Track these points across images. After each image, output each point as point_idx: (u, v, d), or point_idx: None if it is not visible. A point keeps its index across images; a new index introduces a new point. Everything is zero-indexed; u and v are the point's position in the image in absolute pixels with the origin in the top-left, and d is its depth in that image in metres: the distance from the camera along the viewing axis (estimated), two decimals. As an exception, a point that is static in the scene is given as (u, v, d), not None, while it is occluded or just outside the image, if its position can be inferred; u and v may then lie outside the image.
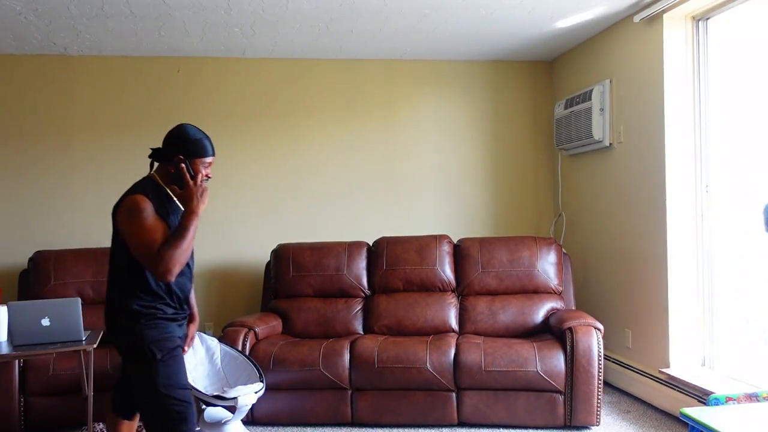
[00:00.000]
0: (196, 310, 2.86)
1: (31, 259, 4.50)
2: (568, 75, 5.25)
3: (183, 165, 2.45)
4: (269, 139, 5.19)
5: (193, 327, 2.83)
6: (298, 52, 5.00)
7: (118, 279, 2.52)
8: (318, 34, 4.54)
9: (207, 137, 2.58)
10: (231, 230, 5.13)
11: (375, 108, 5.27)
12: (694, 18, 3.98)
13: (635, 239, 4.35)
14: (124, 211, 2.43)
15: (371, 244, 4.75)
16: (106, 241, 4.83)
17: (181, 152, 2.50)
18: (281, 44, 4.77)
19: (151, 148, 2.58)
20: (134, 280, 2.48)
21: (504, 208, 5.45)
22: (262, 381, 3.72)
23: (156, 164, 2.62)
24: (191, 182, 2.46)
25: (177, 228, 2.40)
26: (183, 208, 2.45)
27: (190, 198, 2.44)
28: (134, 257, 2.41)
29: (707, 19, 3.94)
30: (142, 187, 2.51)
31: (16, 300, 4.50)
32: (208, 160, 2.56)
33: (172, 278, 2.36)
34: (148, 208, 2.41)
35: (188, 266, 2.63)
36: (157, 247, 2.33)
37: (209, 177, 2.58)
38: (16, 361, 3.83)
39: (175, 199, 2.57)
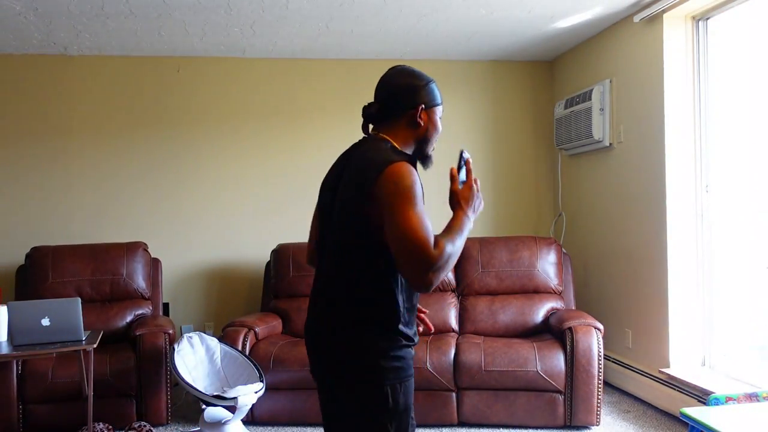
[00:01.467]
0: None
1: (28, 255, 4.49)
2: (568, 75, 5.25)
3: (462, 154, 1.86)
4: (269, 138, 5.19)
5: None
6: (298, 52, 5.00)
7: (358, 287, 1.74)
8: (318, 34, 4.54)
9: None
10: (231, 230, 5.12)
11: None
12: (694, 18, 3.98)
13: (635, 239, 4.35)
14: (390, 182, 1.65)
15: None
16: (104, 238, 4.88)
17: (422, 100, 1.90)
18: (281, 44, 4.77)
19: (369, 104, 1.96)
20: (388, 289, 1.73)
21: (504, 208, 5.45)
22: (262, 381, 3.72)
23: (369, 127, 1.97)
24: (472, 178, 1.83)
25: (455, 227, 1.71)
26: (453, 206, 1.80)
27: (471, 197, 1.79)
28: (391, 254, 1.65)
29: (707, 19, 3.94)
30: (397, 152, 1.81)
31: (13, 296, 4.50)
32: (442, 108, 2.00)
33: (432, 288, 1.61)
34: (419, 186, 1.69)
35: None
36: (433, 241, 1.59)
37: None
38: (15, 368, 3.81)
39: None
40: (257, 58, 5.13)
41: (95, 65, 4.94)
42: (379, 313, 1.74)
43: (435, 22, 4.33)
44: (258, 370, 3.82)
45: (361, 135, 2.04)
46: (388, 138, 1.87)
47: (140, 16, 4.07)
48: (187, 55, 5.02)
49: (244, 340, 4.05)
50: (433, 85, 1.98)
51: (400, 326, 1.75)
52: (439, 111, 1.98)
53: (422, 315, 2.01)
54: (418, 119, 1.90)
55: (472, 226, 1.77)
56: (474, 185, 1.82)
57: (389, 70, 1.97)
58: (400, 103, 1.90)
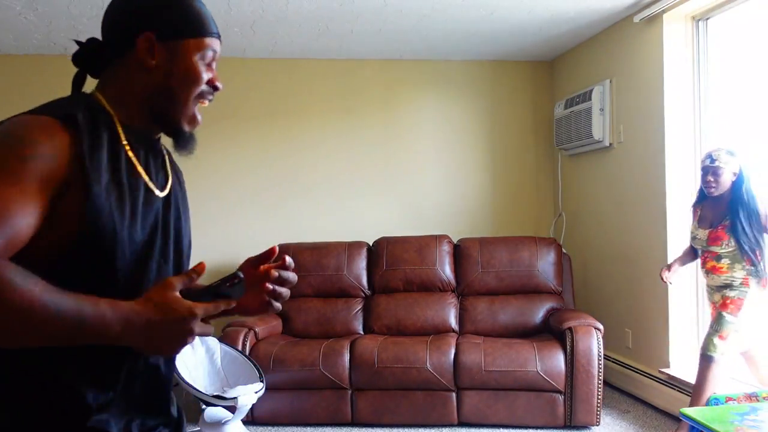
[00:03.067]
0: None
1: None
2: (568, 75, 5.25)
3: (239, 274, 1.15)
4: (269, 139, 5.19)
5: None
6: (298, 52, 5.00)
7: None
8: (318, 34, 4.54)
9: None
10: (230, 230, 5.12)
11: (375, 108, 5.27)
12: (693, 18, 3.98)
13: (635, 239, 4.35)
14: None
15: (371, 244, 4.75)
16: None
17: (155, 25, 1.17)
18: (281, 44, 4.77)
19: (81, 42, 1.25)
20: None
21: (504, 208, 5.46)
22: (262, 381, 3.72)
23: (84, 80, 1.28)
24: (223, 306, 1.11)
25: (94, 303, 0.98)
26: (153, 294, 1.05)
27: (181, 311, 1.03)
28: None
29: (707, 19, 3.93)
30: (67, 104, 1.17)
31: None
32: (210, 44, 1.22)
33: None
34: (42, 154, 1.02)
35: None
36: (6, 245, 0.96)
37: (217, 87, 1.25)
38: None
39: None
40: (257, 58, 5.13)
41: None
42: None
43: (435, 22, 4.33)
44: (258, 370, 3.82)
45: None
46: (99, 97, 1.19)
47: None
48: None
49: (244, 340, 4.05)
50: (189, 3, 1.19)
51: None
52: (200, 46, 1.19)
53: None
54: (147, 57, 1.15)
55: (121, 330, 0.99)
56: (210, 310, 1.08)
57: None
58: (119, 34, 1.17)
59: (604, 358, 4.51)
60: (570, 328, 3.85)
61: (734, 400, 2.64)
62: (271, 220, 5.17)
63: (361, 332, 4.44)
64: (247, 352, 4.02)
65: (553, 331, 4.11)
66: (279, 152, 5.20)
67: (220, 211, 5.09)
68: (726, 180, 3.31)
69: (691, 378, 3.76)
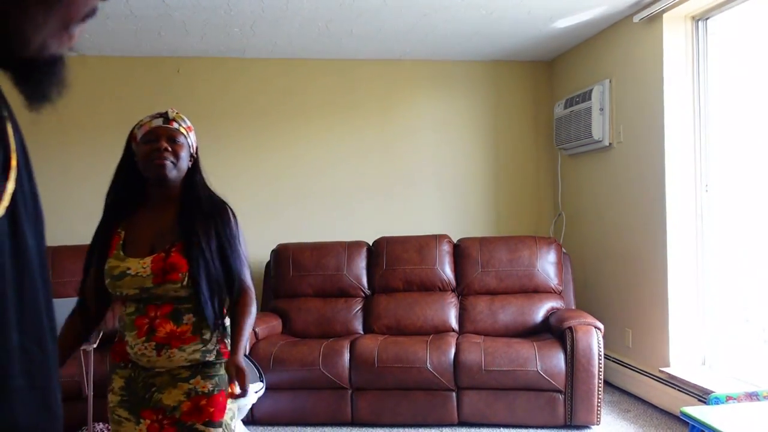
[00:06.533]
0: None
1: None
2: (567, 75, 5.25)
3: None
4: (269, 139, 5.19)
5: None
6: (298, 52, 5.00)
7: None
8: (318, 34, 4.54)
9: None
10: None
11: (375, 108, 5.27)
12: (693, 18, 3.98)
13: (635, 239, 4.35)
14: None
15: (371, 244, 4.75)
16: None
17: None
18: (281, 44, 4.78)
19: None
20: None
21: (504, 208, 5.46)
22: (262, 381, 3.72)
23: None
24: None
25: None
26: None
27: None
28: None
29: (707, 19, 3.93)
30: None
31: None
32: None
33: None
34: None
35: None
36: None
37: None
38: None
39: None
40: (257, 58, 5.13)
41: (95, 65, 4.93)
42: None
43: (434, 22, 4.34)
44: (258, 369, 3.82)
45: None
46: None
47: (140, 17, 4.07)
48: (186, 56, 5.02)
49: (244, 340, 4.05)
50: None
51: None
52: None
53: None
54: None
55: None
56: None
57: None
58: None
59: (604, 357, 4.52)
60: (570, 328, 3.85)
61: (734, 399, 2.64)
62: (271, 220, 5.17)
63: (361, 332, 4.44)
64: (247, 352, 4.02)
65: (553, 331, 4.11)
66: (278, 152, 5.20)
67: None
68: None
69: (691, 377, 3.77)
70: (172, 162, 1.92)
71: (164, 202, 1.97)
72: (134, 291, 1.84)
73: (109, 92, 4.97)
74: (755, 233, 3.76)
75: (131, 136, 2.00)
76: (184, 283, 1.84)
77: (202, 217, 1.94)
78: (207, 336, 1.89)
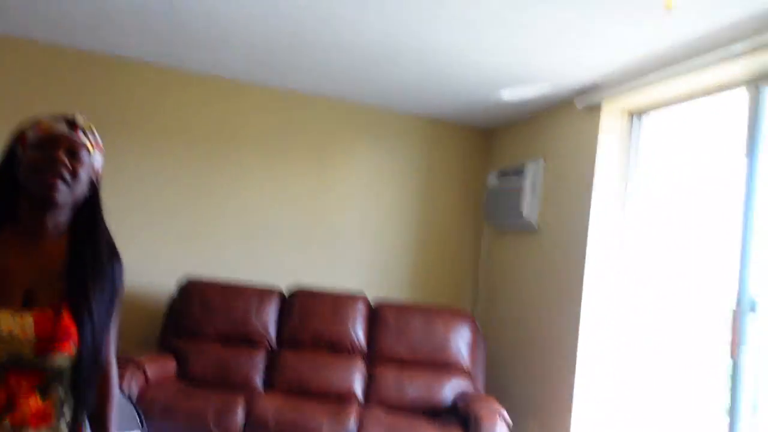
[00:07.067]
0: None
1: None
2: (504, 147, 5.25)
3: None
4: (195, 161, 4.86)
5: None
6: (239, 74, 4.77)
7: None
8: (263, 60, 4.35)
9: None
10: (137, 252, 4.59)
11: (310, 146, 5.08)
12: (630, 113, 4.03)
13: (550, 327, 4.29)
14: None
15: (285, 292, 4.55)
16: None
17: None
18: (222, 62, 4.53)
19: None
20: None
21: (424, 272, 5.33)
22: (140, 429, 3.43)
23: None
24: None
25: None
26: None
27: None
28: None
29: (642, 115, 4.00)
30: None
31: None
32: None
33: None
34: None
35: None
36: None
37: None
38: None
39: None
40: (196, 75, 4.85)
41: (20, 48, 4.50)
42: None
43: (383, 70, 4.22)
44: (139, 415, 3.53)
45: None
46: None
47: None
48: (125, 54, 4.68)
49: (131, 380, 3.75)
50: None
51: None
52: None
53: None
54: None
55: None
56: None
57: None
58: None
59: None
60: (476, 416, 3.72)
61: None
62: (180, 247, 4.82)
63: (261, 387, 4.19)
64: (134, 394, 3.73)
65: (459, 414, 3.97)
66: (203, 177, 4.88)
67: (129, 230, 4.43)
68: None
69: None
70: (66, 182, 1.47)
71: (44, 230, 1.51)
72: None
73: (34, 81, 4.51)
74: (673, 332, 3.74)
75: (19, 136, 1.53)
76: (75, 356, 1.45)
77: (99, 271, 1.55)
78: (68, 420, 1.49)
